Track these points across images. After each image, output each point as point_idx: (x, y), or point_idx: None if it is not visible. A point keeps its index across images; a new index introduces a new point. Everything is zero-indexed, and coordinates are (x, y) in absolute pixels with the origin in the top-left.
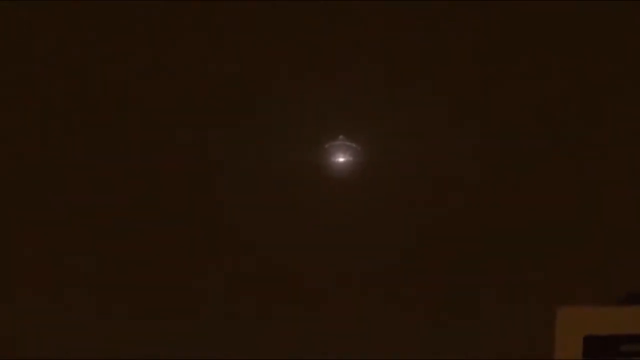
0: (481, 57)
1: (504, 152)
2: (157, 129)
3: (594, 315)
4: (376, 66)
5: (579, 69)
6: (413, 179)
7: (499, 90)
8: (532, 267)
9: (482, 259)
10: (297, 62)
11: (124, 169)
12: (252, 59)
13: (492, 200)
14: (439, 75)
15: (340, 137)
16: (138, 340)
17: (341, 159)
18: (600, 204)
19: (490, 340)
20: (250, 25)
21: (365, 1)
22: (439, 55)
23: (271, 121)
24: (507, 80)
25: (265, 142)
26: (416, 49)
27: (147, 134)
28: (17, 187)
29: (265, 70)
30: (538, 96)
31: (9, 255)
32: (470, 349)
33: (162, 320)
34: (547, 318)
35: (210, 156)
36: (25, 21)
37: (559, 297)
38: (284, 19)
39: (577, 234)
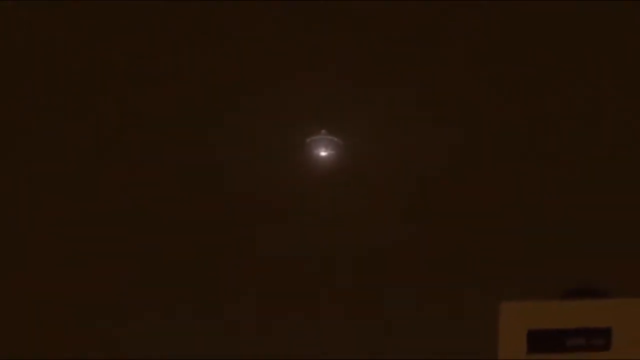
0: (465, 56)
1: (479, 149)
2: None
3: (537, 310)
4: (358, 62)
5: (579, 69)
6: (394, 172)
7: (478, 88)
8: (478, 261)
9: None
10: (279, 59)
11: (122, 168)
12: (233, 57)
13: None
14: (422, 71)
15: (322, 131)
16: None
17: (323, 153)
18: (548, 201)
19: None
20: (234, 26)
21: (349, 2)
22: (422, 52)
23: (253, 115)
24: (488, 78)
25: (248, 137)
26: (399, 47)
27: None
28: (16, 188)
29: (247, 67)
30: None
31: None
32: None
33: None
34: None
35: (190, 153)
36: (25, 21)
37: (503, 291)
38: (268, 19)
39: (525, 230)
